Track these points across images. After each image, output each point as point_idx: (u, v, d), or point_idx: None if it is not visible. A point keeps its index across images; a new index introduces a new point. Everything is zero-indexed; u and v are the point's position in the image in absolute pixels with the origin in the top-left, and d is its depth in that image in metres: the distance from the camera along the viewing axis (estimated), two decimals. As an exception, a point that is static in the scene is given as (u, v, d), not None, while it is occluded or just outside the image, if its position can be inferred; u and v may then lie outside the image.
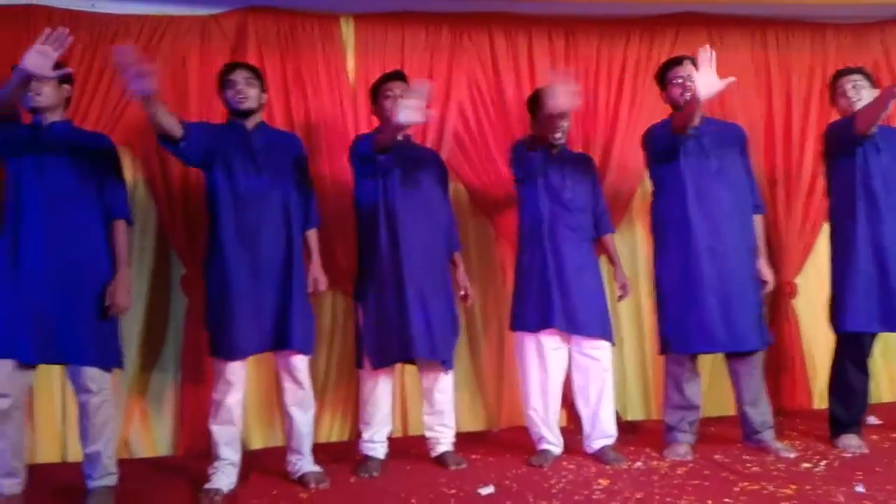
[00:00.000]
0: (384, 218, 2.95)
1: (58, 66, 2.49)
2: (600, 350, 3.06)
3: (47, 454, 3.29)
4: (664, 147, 3.07)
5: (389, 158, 2.93)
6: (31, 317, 2.55)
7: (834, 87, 3.22)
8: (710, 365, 3.72)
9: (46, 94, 2.68)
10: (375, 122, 3.49)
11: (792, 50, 4.04)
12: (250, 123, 2.91)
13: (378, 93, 3.10)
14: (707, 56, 2.77)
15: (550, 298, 2.99)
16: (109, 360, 2.69)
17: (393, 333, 2.91)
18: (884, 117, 2.96)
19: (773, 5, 3.86)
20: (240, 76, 2.87)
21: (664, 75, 3.16)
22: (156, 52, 3.44)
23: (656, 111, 3.60)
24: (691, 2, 3.83)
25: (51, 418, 3.31)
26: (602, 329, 3.06)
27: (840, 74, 3.23)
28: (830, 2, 3.80)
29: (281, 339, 2.80)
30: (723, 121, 3.46)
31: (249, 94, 2.87)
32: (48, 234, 2.60)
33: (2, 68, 3.15)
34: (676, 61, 3.13)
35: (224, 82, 2.89)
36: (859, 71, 3.22)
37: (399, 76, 3.12)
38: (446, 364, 3.01)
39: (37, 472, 2.84)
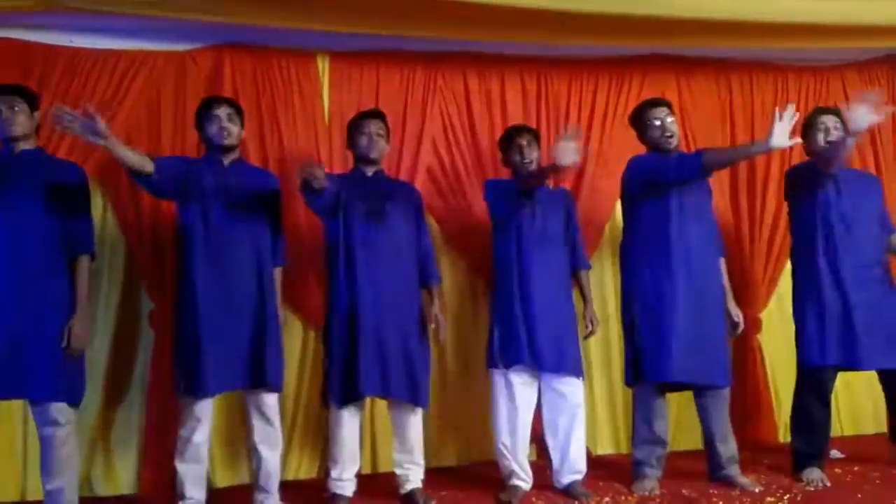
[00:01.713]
0: (343, 255, 2.96)
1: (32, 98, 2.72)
2: (570, 385, 3.09)
3: (6, 492, 3.22)
4: (655, 181, 3.07)
5: (353, 194, 2.95)
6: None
7: (813, 122, 3.25)
8: (678, 400, 3.76)
9: (21, 123, 2.72)
10: (350, 158, 3.56)
11: (755, 91, 4.18)
12: (227, 159, 2.93)
13: (354, 130, 3.13)
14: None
15: (518, 335, 3.03)
16: (75, 395, 2.68)
17: (350, 371, 2.90)
18: (843, 157, 3.05)
19: (737, 48, 3.98)
20: (223, 112, 2.89)
21: (641, 116, 3.20)
22: (130, 86, 3.47)
23: (625, 149, 3.69)
24: (659, 44, 3.95)
25: (11, 456, 3.24)
26: (571, 365, 3.09)
27: (822, 111, 3.30)
28: (793, 45, 3.92)
29: (254, 377, 2.79)
30: None
31: (232, 131, 2.90)
32: (13, 268, 2.60)
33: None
34: (654, 103, 3.20)
35: (206, 116, 2.90)
36: (838, 112, 3.26)
37: (376, 114, 3.16)
38: (418, 401, 2.99)
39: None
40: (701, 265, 3.09)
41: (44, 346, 2.60)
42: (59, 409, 2.61)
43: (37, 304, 2.61)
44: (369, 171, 3.11)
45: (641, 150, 3.29)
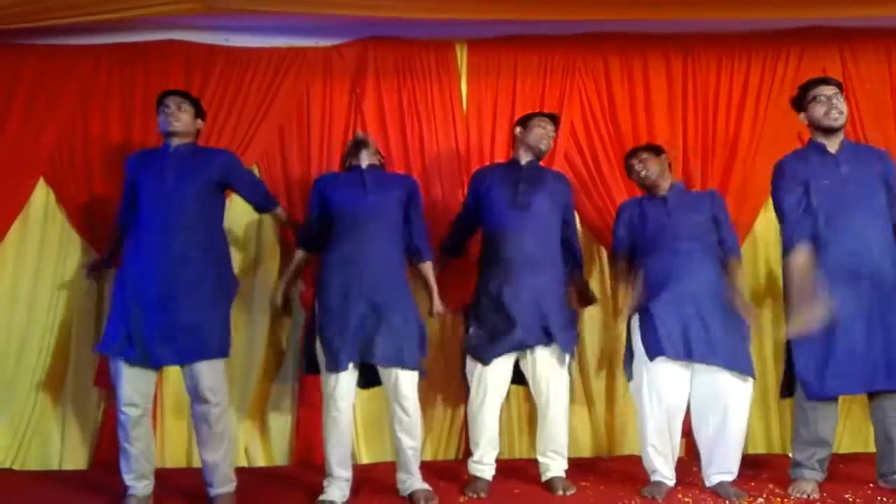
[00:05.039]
0: (503, 240, 3.06)
1: (199, 106, 3.06)
2: (723, 379, 2.91)
3: (176, 459, 3.49)
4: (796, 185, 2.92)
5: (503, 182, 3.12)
6: (153, 327, 2.73)
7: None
8: (845, 398, 3.47)
9: (184, 122, 2.92)
10: (487, 148, 3.61)
11: (933, 62, 3.77)
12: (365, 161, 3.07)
13: (529, 124, 3.20)
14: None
15: (668, 328, 2.91)
16: (222, 351, 2.84)
17: (505, 331, 2.99)
18: None
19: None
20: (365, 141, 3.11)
21: (805, 93, 2.98)
22: (283, 82, 3.65)
23: (782, 131, 3.49)
24: (820, 15, 3.63)
25: (180, 424, 3.50)
26: (733, 359, 2.91)
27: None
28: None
29: (391, 357, 2.84)
30: (866, 145, 3.29)
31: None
32: (169, 253, 2.78)
33: (148, 99, 3.43)
34: (823, 80, 2.98)
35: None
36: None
37: (553, 118, 3.26)
38: (566, 349, 3.01)
39: (164, 476, 3.01)
40: (869, 259, 2.81)
41: (193, 317, 2.76)
42: (211, 386, 2.79)
43: (188, 279, 2.78)
44: (523, 161, 3.20)
45: (800, 129, 3.06)
